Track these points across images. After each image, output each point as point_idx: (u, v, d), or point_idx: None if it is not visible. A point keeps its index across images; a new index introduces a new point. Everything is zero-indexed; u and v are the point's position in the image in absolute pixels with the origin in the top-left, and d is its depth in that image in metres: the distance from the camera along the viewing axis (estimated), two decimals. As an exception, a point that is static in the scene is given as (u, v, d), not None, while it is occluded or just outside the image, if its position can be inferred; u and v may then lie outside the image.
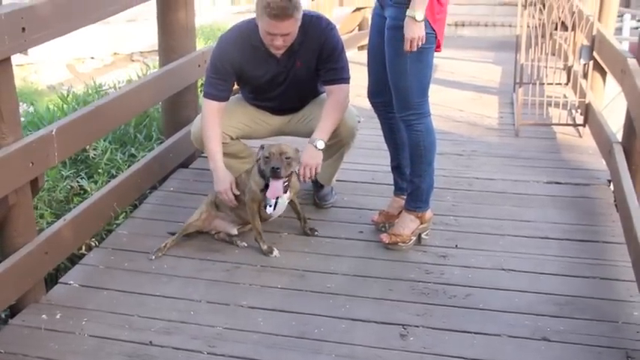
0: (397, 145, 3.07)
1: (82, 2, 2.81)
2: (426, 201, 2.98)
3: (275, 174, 2.75)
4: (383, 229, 3.09)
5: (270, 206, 2.87)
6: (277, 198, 2.85)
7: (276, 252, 2.91)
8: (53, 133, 2.62)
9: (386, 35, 2.74)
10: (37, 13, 2.46)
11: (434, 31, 2.68)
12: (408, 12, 2.58)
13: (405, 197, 3.06)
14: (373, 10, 2.97)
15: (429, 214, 3.00)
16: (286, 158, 2.78)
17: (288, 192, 2.89)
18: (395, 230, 2.98)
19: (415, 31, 2.58)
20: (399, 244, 2.95)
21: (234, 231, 3.04)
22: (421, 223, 2.99)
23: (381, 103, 3.00)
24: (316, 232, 3.06)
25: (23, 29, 2.35)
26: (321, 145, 2.91)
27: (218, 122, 3.04)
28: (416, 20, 2.57)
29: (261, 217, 2.95)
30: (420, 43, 2.61)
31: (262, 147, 2.88)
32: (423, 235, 3.02)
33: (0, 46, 2.25)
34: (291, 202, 3.00)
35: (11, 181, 2.41)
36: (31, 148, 2.49)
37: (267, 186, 2.83)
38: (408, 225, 2.97)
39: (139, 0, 3.28)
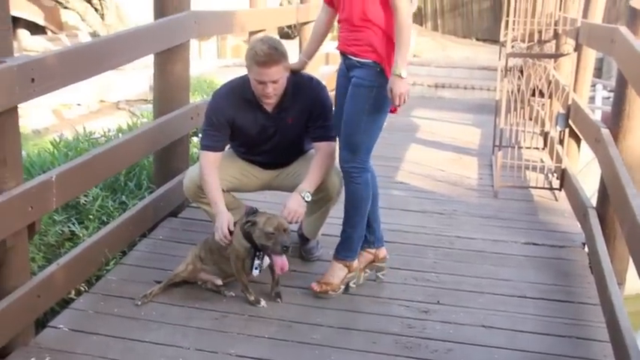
0: None
1: (88, 55, 2.93)
2: (355, 250, 3.12)
3: (286, 252, 2.83)
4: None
5: (257, 269, 2.95)
6: (263, 262, 2.94)
7: (263, 302, 2.98)
8: (53, 179, 2.70)
9: (349, 91, 2.90)
10: (46, 64, 2.57)
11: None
12: (394, 70, 2.75)
13: (372, 250, 3.19)
14: (338, 73, 3.12)
15: (355, 263, 3.12)
16: (284, 231, 2.86)
17: None
18: (325, 279, 3.09)
19: (402, 87, 2.76)
20: (329, 292, 3.06)
21: (220, 281, 3.11)
22: (349, 272, 3.10)
23: None
24: (279, 300, 3.04)
25: (32, 80, 2.45)
26: (308, 197, 3.04)
27: (216, 171, 3.16)
28: (401, 77, 2.74)
29: (245, 273, 3.01)
30: (406, 98, 2.78)
31: (253, 212, 2.96)
32: (350, 284, 3.13)
33: (10, 96, 2.36)
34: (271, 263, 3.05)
35: (10, 225, 2.48)
36: (31, 193, 2.56)
37: (255, 250, 2.91)
38: (337, 274, 3.09)
39: (140, 54, 3.41)
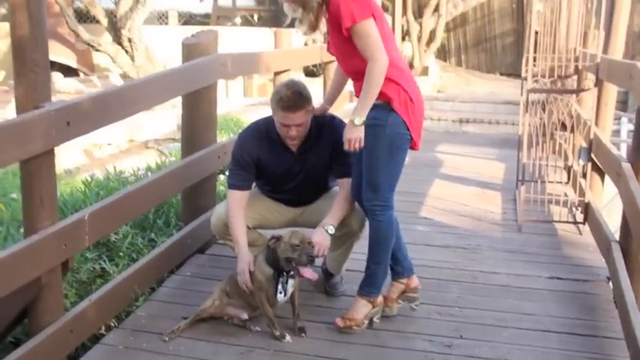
0: None
1: (119, 99, 3.07)
2: (379, 287, 3.16)
3: (311, 262, 2.93)
4: (387, 309, 3.24)
5: (281, 293, 3.01)
6: (287, 285, 3.00)
7: (288, 337, 3.03)
8: (86, 217, 2.81)
9: (366, 132, 2.96)
10: (81, 108, 2.71)
11: (409, 130, 2.94)
12: (350, 116, 2.87)
13: (403, 280, 3.24)
14: None
15: (380, 299, 3.16)
16: (309, 244, 2.96)
17: (296, 278, 3.04)
18: (349, 315, 3.13)
19: (353, 133, 2.87)
20: (353, 327, 3.10)
21: (246, 316, 3.17)
22: (373, 307, 3.14)
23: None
24: (303, 335, 3.09)
25: (68, 123, 2.59)
26: (331, 230, 3.12)
27: (242, 211, 3.25)
28: (354, 124, 2.85)
29: (269, 304, 3.08)
30: (358, 145, 2.89)
31: (276, 238, 3.03)
32: (374, 319, 3.16)
33: (47, 139, 2.49)
34: (292, 294, 3.11)
35: (46, 262, 2.59)
36: (65, 231, 2.68)
37: (278, 274, 2.98)
38: (360, 309, 3.13)
39: (169, 96, 3.55)
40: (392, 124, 2.91)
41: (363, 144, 2.89)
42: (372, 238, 3.12)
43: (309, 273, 2.95)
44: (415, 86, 3.00)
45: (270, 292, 3.02)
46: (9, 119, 2.45)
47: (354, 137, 2.87)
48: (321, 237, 3.09)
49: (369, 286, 3.16)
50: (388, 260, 3.14)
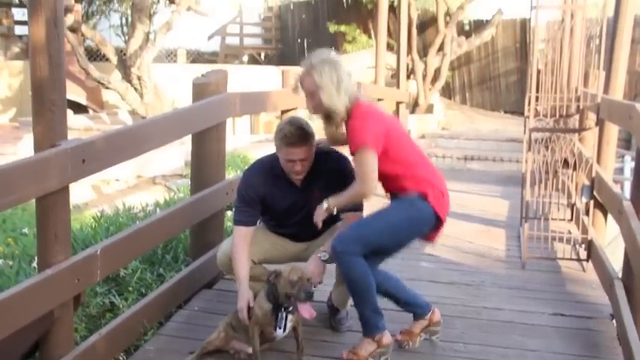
0: (385, 290, 3.32)
1: (132, 138, 3.17)
2: (375, 325, 3.17)
3: (309, 299, 2.97)
4: (407, 346, 3.31)
5: (280, 328, 3.05)
6: (286, 320, 3.05)
7: None
8: (98, 252, 2.88)
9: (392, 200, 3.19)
10: (95, 146, 2.80)
11: (436, 222, 3.14)
12: (325, 201, 3.11)
13: (426, 317, 3.34)
14: None
15: (386, 339, 3.17)
16: (307, 281, 3.01)
17: (295, 314, 3.07)
18: (355, 350, 3.18)
19: (319, 215, 3.13)
20: None
21: (251, 350, 3.20)
22: (378, 347, 3.16)
23: None
24: None
25: (83, 161, 2.68)
26: (324, 256, 3.20)
27: (246, 247, 3.32)
28: (322, 207, 3.10)
29: (267, 339, 3.12)
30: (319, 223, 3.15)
31: (276, 274, 3.07)
32: (382, 359, 3.18)
33: (63, 176, 2.57)
34: (294, 329, 3.15)
35: (59, 296, 2.66)
36: (78, 266, 2.75)
37: (278, 309, 3.03)
38: (366, 347, 3.17)
39: (180, 135, 3.64)
40: (424, 210, 3.10)
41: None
42: (346, 283, 3.19)
43: (307, 312, 2.98)
44: (443, 182, 3.21)
45: (268, 327, 3.06)
46: (27, 157, 2.53)
47: (319, 219, 3.15)
48: (315, 265, 3.19)
49: (364, 327, 3.22)
50: (370, 300, 3.16)
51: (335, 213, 3.15)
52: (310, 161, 3.27)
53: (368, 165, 3.01)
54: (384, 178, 3.14)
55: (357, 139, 3.01)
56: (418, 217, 3.12)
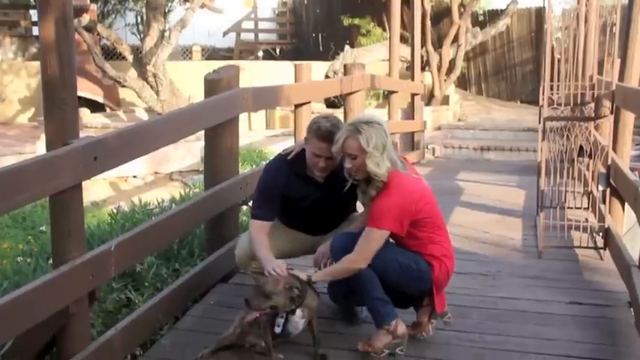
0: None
1: (144, 135, 3.19)
2: (386, 314, 3.15)
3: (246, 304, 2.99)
4: (421, 337, 3.31)
5: (278, 326, 3.06)
6: (285, 319, 3.05)
7: None
8: (112, 249, 2.91)
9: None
10: (107, 144, 2.82)
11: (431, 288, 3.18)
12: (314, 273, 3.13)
13: (425, 306, 3.32)
14: None
15: (400, 329, 3.16)
16: (265, 293, 2.97)
17: (300, 311, 3.06)
18: (370, 341, 3.18)
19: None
20: (371, 354, 3.14)
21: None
22: (393, 338, 3.15)
23: None
24: None
25: (95, 158, 2.70)
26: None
27: (266, 238, 3.33)
28: (309, 278, 3.10)
29: (275, 336, 3.11)
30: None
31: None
32: (397, 351, 3.17)
33: (75, 173, 2.60)
34: (309, 323, 3.14)
35: (74, 292, 2.68)
36: (92, 262, 2.77)
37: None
38: (381, 339, 3.16)
39: (192, 131, 3.66)
40: (424, 271, 3.13)
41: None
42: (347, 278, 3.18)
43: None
44: (453, 263, 3.26)
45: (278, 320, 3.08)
46: (39, 155, 2.56)
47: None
48: (326, 247, 3.24)
49: (376, 319, 3.21)
50: (375, 291, 3.14)
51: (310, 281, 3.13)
52: (335, 163, 3.26)
53: (376, 244, 3.03)
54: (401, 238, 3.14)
55: (378, 217, 3.00)
56: (415, 269, 3.13)
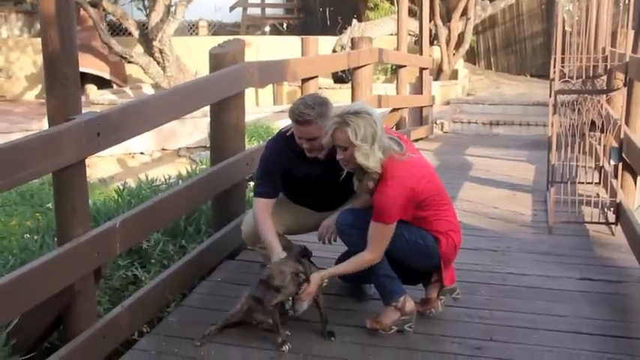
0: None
1: (147, 110, 3.14)
2: (392, 290, 3.15)
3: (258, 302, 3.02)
4: (430, 314, 3.29)
5: (289, 307, 3.07)
6: (294, 301, 3.06)
7: (285, 347, 3.01)
8: (117, 226, 2.88)
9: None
10: (110, 119, 2.78)
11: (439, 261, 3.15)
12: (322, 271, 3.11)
13: (434, 282, 3.29)
14: None
15: (409, 305, 3.15)
16: (275, 287, 2.95)
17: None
18: (378, 318, 3.16)
19: (311, 287, 3.03)
20: (379, 330, 3.13)
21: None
22: (402, 315, 3.14)
23: None
24: (332, 339, 3.11)
25: (98, 134, 2.66)
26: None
27: (269, 216, 3.29)
28: (320, 276, 3.07)
29: (282, 313, 3.10)
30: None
31: (305, 254, 3.12)
32: (406, 327, 3.15)
33: (79, 149, 2.56)
34: (315, 300, 3.12)
35: (78, 270, 2.66)
36: (97, 239, 2.75)
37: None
38: (389, 316, 3.15)
39: (197, 106, 3.61)
40: (431, 247, 3.12)
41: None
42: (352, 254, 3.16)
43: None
44: (460, 236, 3.25)
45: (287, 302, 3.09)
46: (41, 131, 2.52)
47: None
48: (329, 221, 3.27)
49: (383, 296, 3.21)
50: (381, 266, 3.12)
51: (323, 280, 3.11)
52: (321, 142, 3.17)
53: (385, 238, 3.02)
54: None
55: (383, 213, 2.97)
56: (422, 244, 3.11)
